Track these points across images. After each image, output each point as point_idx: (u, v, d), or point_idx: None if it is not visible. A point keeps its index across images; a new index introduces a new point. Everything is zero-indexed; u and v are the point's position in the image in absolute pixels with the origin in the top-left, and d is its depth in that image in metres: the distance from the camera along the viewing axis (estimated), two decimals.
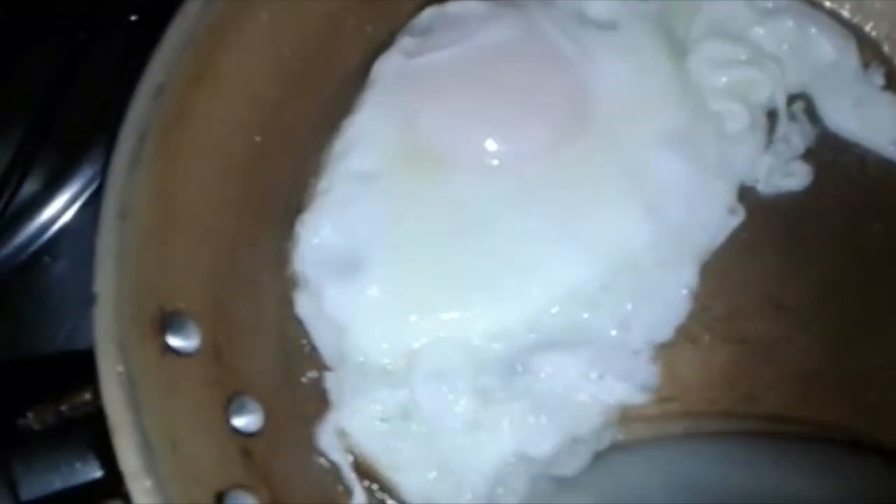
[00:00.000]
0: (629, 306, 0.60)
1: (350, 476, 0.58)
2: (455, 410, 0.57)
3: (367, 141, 0.63)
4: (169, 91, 0.56)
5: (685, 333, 0.62)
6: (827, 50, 0.67)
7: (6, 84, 0.75)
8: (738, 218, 0.63)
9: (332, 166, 0.63)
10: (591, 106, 0.63)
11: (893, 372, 0.61)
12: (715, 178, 0.63)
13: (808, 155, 0.66)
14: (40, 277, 0.70)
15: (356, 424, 0.59)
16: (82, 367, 0.51)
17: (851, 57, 0.68)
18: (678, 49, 0.66)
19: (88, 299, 0.50)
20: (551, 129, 0.62)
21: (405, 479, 0.58)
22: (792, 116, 0.67)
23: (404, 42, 0.66)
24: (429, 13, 0.67)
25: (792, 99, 0.67)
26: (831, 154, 0.67)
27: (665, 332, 0.61)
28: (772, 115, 0.66)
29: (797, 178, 0.65)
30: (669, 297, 0.61)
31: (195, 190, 0.57)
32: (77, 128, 0.73)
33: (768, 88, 0.66)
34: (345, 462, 0.59)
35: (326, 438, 0.58)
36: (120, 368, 0.50)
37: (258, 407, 0.57)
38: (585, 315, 0.60)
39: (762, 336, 0.62)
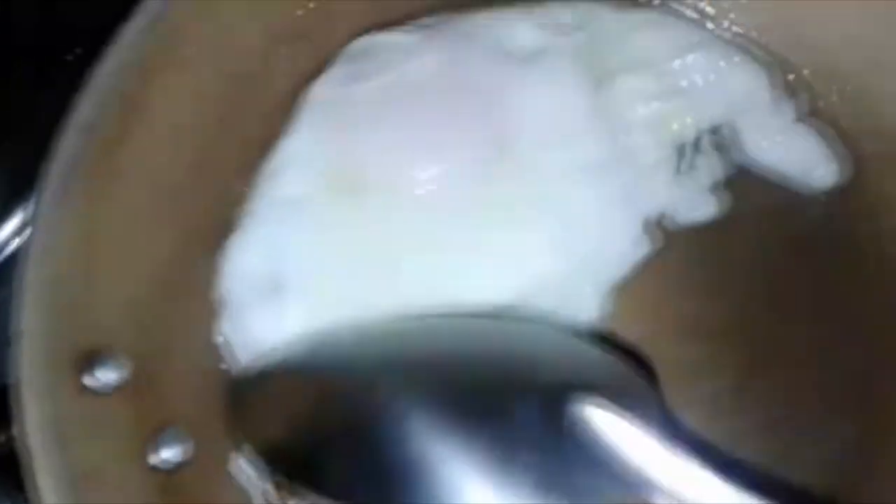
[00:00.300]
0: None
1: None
2: None
3: (295, 166, 0.64)
4: (96, 128, 0.57)
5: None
6: (741, 83, 0.68)
7: None
8: (647, 248, 0.64)
9: (260, 190, 0.65)
10: (510, 135, 0.64)
11: (807, 391, 0.63)
12: (625, 209, 0.64)
13: (721, 186, 0.67)
14: None
15: None
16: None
17: (766, 90, 0.69)
18: (598, 81, 0.67)
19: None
20: (471, 158, 0.63)
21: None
22: (704, 149, 0.68)
23: (336, 70, 0.67)
24: (360, 43, 0.68)
25: (706, 132, 0.68)
26: (744, 185, 0.67)
27: None
28: (684, 148, 0.67)
29: (707, 209, 0.66)
30: (578, 326, 0.62)
31: (122, 225, 0.58)
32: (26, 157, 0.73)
33: (681, 122, 0.67)
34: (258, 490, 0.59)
35: (241, 471, 0.59)
36: (40, 407, 0.51)
37: (186, 437, 0.58)
38: None
39: (676, 357, 0.63)
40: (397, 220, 0.63)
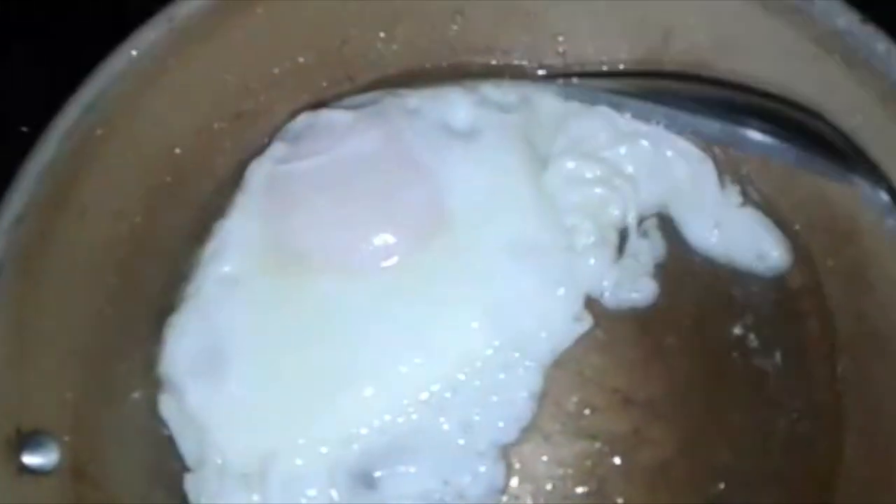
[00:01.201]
0: (475, 409, 0.63)
1: None
2: None
3: (234, 245, 0.66)
4: (28, 220, 0.59)
5: (538, 429, 0.64)
6: (684, 171, 0.69)
7: None
8: (584, 326, 0.65)
9: (200, 270, 0.66)
10: (446, 213, 0.65)
11: (739, 465, 0.63)
12: (560, 288, 0.65)
13: (659, 268, 0.68)
14: None
15: None
16: None
17: (709, 177, 0.69)
18: (537, 162, 0.68)
19: None
20: (405, 235, 0.65)
21: None
22: (644, 234, 0.69)
23: (276, 148, 0.69)
24: (301, 120, 0.69)
25: (647, 216, 0.69)
26: (683, 265, 0.68)
27: (510, 434, 0.63)
28: (626, 231, 0.68)
29: (643, 293, 0.67)
30: (513, 400, 0.63)
31: (57, 314, 0.61)
32: None
33: (620, 207, 0.68)
34: None
35: None
36: None
37: None
38: (435, 419, 0.62)
39: (612, 430, 0.64)
40: (333, 298, 0.64)
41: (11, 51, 0.82)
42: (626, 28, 0.71)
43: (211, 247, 0.67)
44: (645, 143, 0.69)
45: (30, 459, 0.57)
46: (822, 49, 0.63)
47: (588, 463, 0.64)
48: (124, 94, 0.63)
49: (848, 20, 0.61)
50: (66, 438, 0.59)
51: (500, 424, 0.63)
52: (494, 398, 0.63)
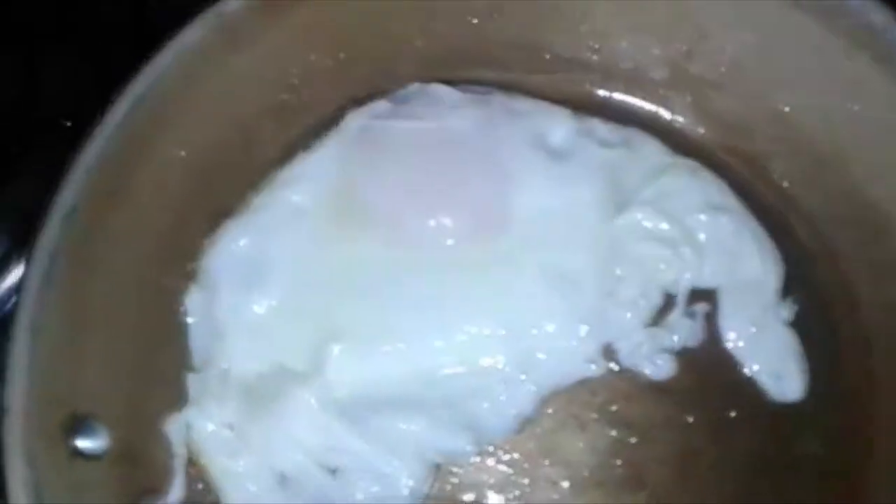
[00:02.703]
0: (465, 402, 0.64)
1: (179, 467, 0.63)
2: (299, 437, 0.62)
3: (311, 179, 0.68)
4: (80, 211, 0.61)
5: (575, 417, 0.66)
6: (753, 265, 0.68)
7: None
8: (594, 370, 0.65)
9: (272, 189, 0.69)
10: (508, 218, 0.67)
11: (768, 450, 0.65)
12: (582, 325, 0.65)
13: (684, 353, 0.67)
14: None
15: (204, 424, 0.64)
16: None
17: (772, 282, 0.68)
18: (616, 203, 0.68)
19: None
20: (463, 224, 0.66)
21: (231, 487, 0.63)
22: (690, 314, 0.67)
23: (379, 105, 0.71)
24: (412, 87, 0.71)
25: (699, 296, 0.68)
26: (706, 360, 0.67)
27: (479, 441, 0.65)
28: (672, 299, 0.67)
29: (658, 369, 0.66)
30: (501, 414, 0.64)
31: (108, 301, 0.62)
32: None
33: (676, 275, 0.67)
34: (181, 454, 0.63)
35: (175, 428, 0.63)
36: (27, 476, 0.54)
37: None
38: (427, 391, 0.65)
39: (646, 418, 0.65)
40: (381, 259, 0.66)
41: (49, 48, 0.84)
42: (660, 26, 0.72)
43: (290, 172, 0.69)
44: (729, 222, 0.68)
45: (82, 443, 0.59)
46: (855, 46, 0.63)
47: (622, 450, 0.65)
48: (172, 89, 0.64)
49: (881, 17, 0.62)
50: (117, 423, 0.61)
51: (481, 427, 0.65)
52: (485, 405, 0.64)
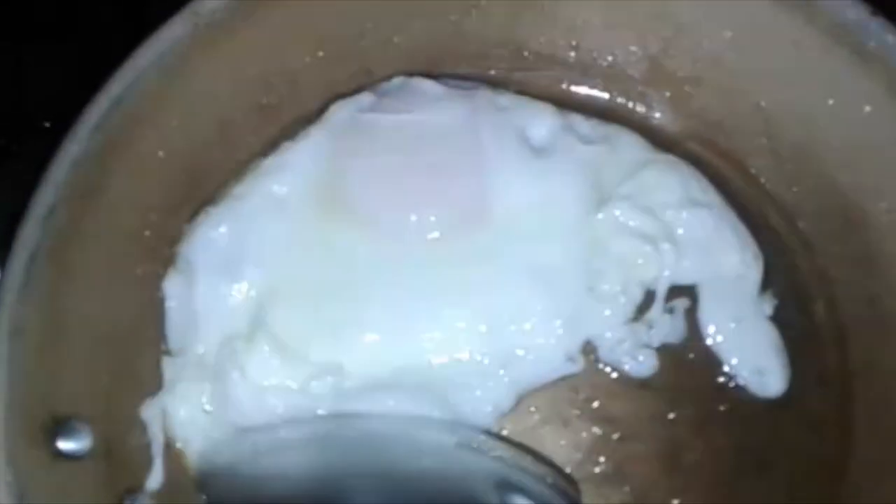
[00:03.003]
0: (442, 392, 0.64)
1: (158, 452, 0.63)
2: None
3: (293, 169, 0.68)
4: (59, 211, 0.60)
5: (558, 414, 0.66)
6: (733, 260, 0.68)
7: None
8: (574, 367, 0.65)
9: (253, 178, 0.69)
10: (489, 213, 0.67)
11: (751, 443, 0.66)
12: (562, 322, 0.65)
13: (665, 349, 0.67)
14: None
15: (181, 408, 0.64)
16: None
17: (753, 276, 0.68)
18: (597, 198, 0.68)
19: None
20: (444, 218, 0.66)
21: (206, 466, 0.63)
22: (670, 310, 0.67)
23: (364, 97, 0.71)
24: (396, 81, 0.72)
25: (679, 292, 0.67)
26: (688, 356, 0.67)
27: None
28: (652, 295, 0.67)
29: (639, 365, 0.66)
30: (476, 409, 0.64)
31: (88, 303, 0.62)
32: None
33: (655, 270, 0.67)
34: (159, 439, 0.64)
35: (151, 413, 0.64)
36: (10, 480, 0.54)
37: (149, 502, 0.61)
38: (402, 378, 0.64)
39: (629, 414, 0.65)
40: (362, 251, 0.66)
41: (31, 49, 0.83)
42: (637, 23, 0.73)
43: (272, 162, 0.69)
44: (709, 217, 0.68)
45: (64, 445, 0.58)
46: (831, 41, 0.64)
47: (606, 446, 0.65)
48: (150, 88, 0.64)
49: (857, 13, 0.62)
50: (99, 424, 0.61)
51: (455, 419, 0.64)
52: (462, 397, 0.64)
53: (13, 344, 0.57)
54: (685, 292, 0.68)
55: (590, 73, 0.76)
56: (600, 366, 0.66)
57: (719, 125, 0.73)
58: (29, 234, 0.59)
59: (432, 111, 0.69)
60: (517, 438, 0.65)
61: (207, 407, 0.64)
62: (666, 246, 0.67)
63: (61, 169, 0.61)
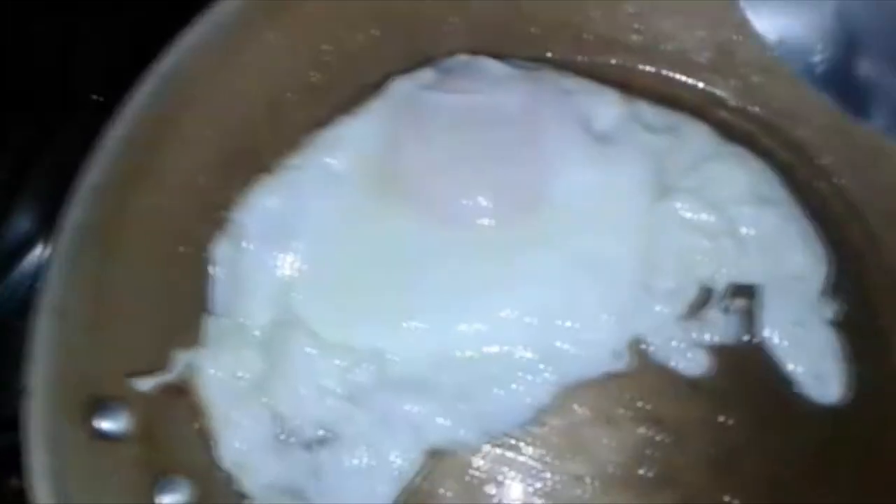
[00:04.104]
0: (481, 387, 0.63)
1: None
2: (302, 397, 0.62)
3: (350, 143, 0.67)
4: (105, 190, 0.60)
5: (602, 412, 0.64)
6: (797, 261, 0.65)
7: None
8: (618, 364, 0.63)
9: (310, 150, 0.68)
10: (546, 200, 0.65)
11: (803, 458, 0.63)
12: (610, 316, 0.63)
13: (718, 349, 0.64)
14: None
15: (214, 369, 0.63)
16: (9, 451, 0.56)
17: (816, 280, 0.65)
18: (658, 190, 0.65)
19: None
20: (499, 204, 0.65)
21: (228, 435, 0.62)
22: (726, 309, 0.65)
23: (425, 73, 0.69)
24: (459, 58, 0.70)
25: (738, 291, 0.65)
26: (742, 358, 0.65)
27: (495, 426, 0.63)
28: (709, 293, 0.65)
29: (691, 364, 0.64)
30: (516, 403, 0.63)
31: (131, 283, 0.62)
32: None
33: (714, 268, 0.64)
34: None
35: (180, 363, 0.63)
36: (48, 459, 0.54)
37: (187, 484, 0.61)
38: (441, 375, 0.63)
39: (678, 416, 0.63)
40: (411, 233, 0.65)
41: (80, 23, 0.83)
42: (706, 8, 0.71)
43: (329, 134, 0.68)
44: (775, 215, 0.65)
45: (103, 425, 0.58)
46: None
47: (652, 448, 0.63)
48: (200, 67, 0.64)
49: None
50: (136, 405, 0.61)
51: (492, 416, 0.63)
52: (500, 392, 0.63)
53: (57, 322, 0.58)
54: (743, 292, 0.65)
55: (654, 59, 0.73)
56: (649, 363, 0.63)
57: (790, 116, 0.70)
58: (75, 213, 0.59)
59: (495, 92, 0.67)
60: (561, 435, 0.63)
61: (240, 374, 0.63)
62: (727, 243, 0.64)
63: (109, 147, 0.61)
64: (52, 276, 0.58)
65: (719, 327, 0.64)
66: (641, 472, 0.63)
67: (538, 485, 0.63)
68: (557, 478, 0.63)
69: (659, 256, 0.64)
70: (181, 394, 0.63)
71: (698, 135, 0.68)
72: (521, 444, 0.64)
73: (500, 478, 0.63)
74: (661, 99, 0.72)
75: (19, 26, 0.80)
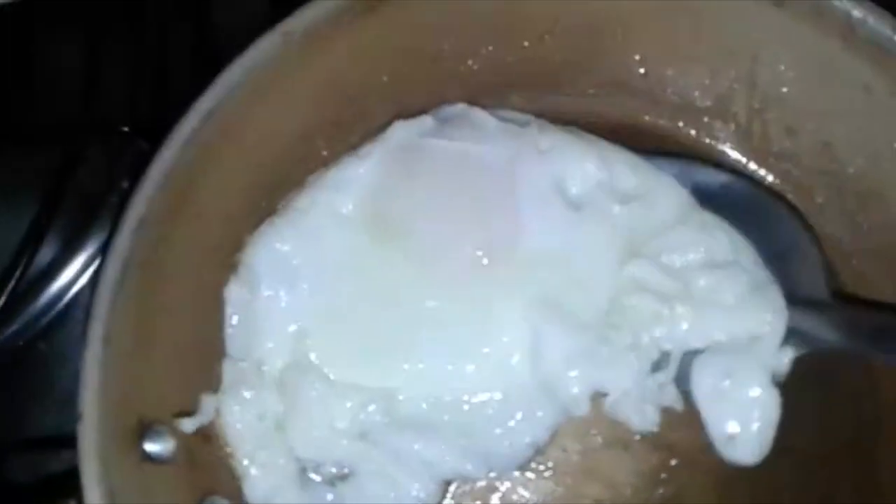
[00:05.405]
0: (482, 428, 0.66)
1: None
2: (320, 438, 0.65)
3: (354, 184, 0.70)
4: (149, 223, 0.62)
5: (618, 440, 0.68)
6: (755, 324, 0.65)
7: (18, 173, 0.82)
8: (579, 411, 0.65)
9: (317, 192, 0.70)
10: (520, 251, 0.68)
11: (804, 478, 0.67)
12: (571, 369, 0.65)
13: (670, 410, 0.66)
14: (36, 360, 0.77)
15: (235, 411, 0.66)
16: (66, 474, 0.58)
17: (773, 336, 0.65)
18: (625, 253, 0.67)
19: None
20: (476, 253, 0.68)
21: (254, 475, 0.65)
22: (681, 369, 0.66)
23: (425, 121, 0.72)
24: (457, 108, 0.73)
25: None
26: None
27: (501, 466, 0.66)
28: (666, 356, 0.66)
29: (643, 420, 0.65)
30: (514, 442, 0.66)
31: (174, 311, 0.64)
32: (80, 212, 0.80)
33: (667, 330, 0.65)
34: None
35: (205, 408, 0.65)
36: (102, 481, 0.57)
37: None
38: (443, 415, 0.66)
39: (689, 443, 0.67)
40: (407, 275, 0.68)
41: (103, 54, 0.85)
42: (710, 56, 0.74)
43: (333, 175, 0.70)
44: (730, 276, 0.67)
45: (151, 448, 0.61)
46: None
47: (665, 472, 0.67)
48: (239, 104, 0.66)
49: None
50: (181, 429, 0.62)
51: (493, 454, 0.66)
52: (498, 431, 0.65)
53: (105, 350, 0.59)
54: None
55: (657, 103, 0.77)
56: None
57: (785, 159, 0.75)
58: (121, 244, 0.61)
59: (481, 145, 0.70)
60: (579, 460, 0.67)
61: (261, 414, 0.66)
62: (681, 310, 0.65)
63: (153, 182, 0.63)
64: (99, 306, 0.60)
65: (669, 390, 0.66)
66: (655, 494, 0.67)
67: None
68: (574, 501, 0.67)
69: (618, 317, 0.66)
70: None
71: (669, 202, 0.70)
72: (540, 468, 0.68)
73: (518, 500, 0.67)
74: (659, 140, 0.77)
75: (42, 58, 0.82)
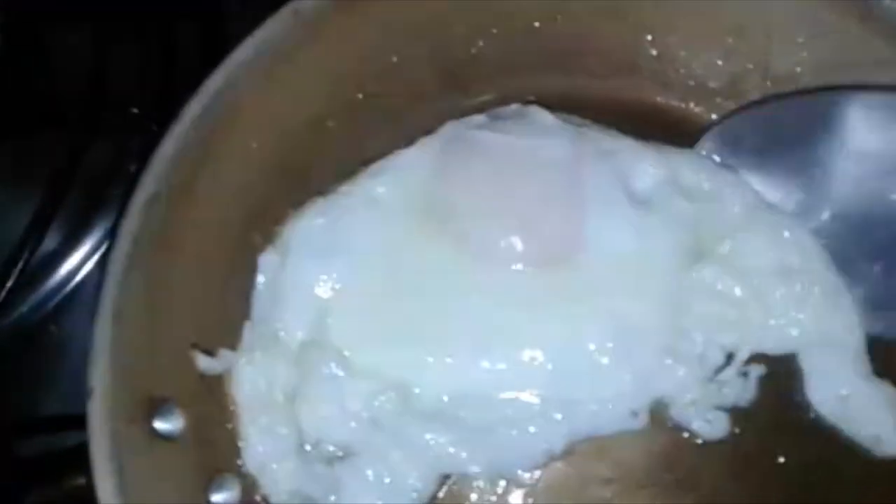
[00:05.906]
0: (496, 430, 0.65)
1: None
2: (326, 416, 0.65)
3: (399, 173, 0.70)
4: (161, 200, 0.62)
5: None
6: (830, 327, 0.66)
7: (27, 157, 0.82)
8: (635, 424, 0.64)
9: (362, 178, 0.71)
10: (577, 254, 0.67)
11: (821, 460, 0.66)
12: (632, 377, 0.65)
13: (737, 411, 0.66)
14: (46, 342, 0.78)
15: (247, 371, 0.66)
16: (76, 452, 0.57)
17: (857, 338, 0.66)
18: (692, 255, 0.67)
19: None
20: (532, 251, 0.67)
21: (254, 439, 0.65)
22: (743, 374, 0.66)
23: (477, 118, 0.72)
24: (512, 108, 0.73)
25: (757, 357, 0.67)
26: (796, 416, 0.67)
27: (508, 468, 0.66)
28: (731, 358, 0.66)
29: (710, 426, 0.66)
30: (528, 447, 0.65)
31: (185, 289, 0.64)
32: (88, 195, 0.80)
33: (738, 336, 0.66)
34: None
35: (224, 360, 0.66)
36: (112, 458, 0.56)
37: (237, 483, 0.64)
38: (462, 411, 0.66)
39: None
40: (448, 268, 0.67)
41: (115, 30, 0.85)
42: (723, 36, 0.74)
43: (382, 164, 0.71)
44: (801, 285, 0.67)
45: (160, 425, 0.61)
46: None
47: (676, 452, 0.67)
48: (248, 83, 0.66)
49: None
50: (190, 406, 0.63)
51: (504, 457, 0.66)
52: (514, 433, 0.65)
53: (115, 327, 0.59)
54: (762, 357, 0.67)
55: (669, 85, 0.77)
56: (669, 424, 0.66)
57: None
58: (132, 221, 0.61)
59: (541, 141, 0.69)
60: (590, 442, 0.66)
61: (272, 382, 0.66)
62: (752, 313, 0.66)
63: (163, 159, 0.63)
64: (111, 282, 0.60)
65: (738, 391, 0.66)
66: (666, 475, 0.67)
67: (566, 488, 0.66)
68: (585, 480, 0.67)
69: (686, 321, 0.66)
70: (215, 392, 0.65)
71: (734, 201, 0.69)
72: None
73: (529, 481, 0.66)
74: (672, 121, 0.77)
75: (49, 44, 0.82)
